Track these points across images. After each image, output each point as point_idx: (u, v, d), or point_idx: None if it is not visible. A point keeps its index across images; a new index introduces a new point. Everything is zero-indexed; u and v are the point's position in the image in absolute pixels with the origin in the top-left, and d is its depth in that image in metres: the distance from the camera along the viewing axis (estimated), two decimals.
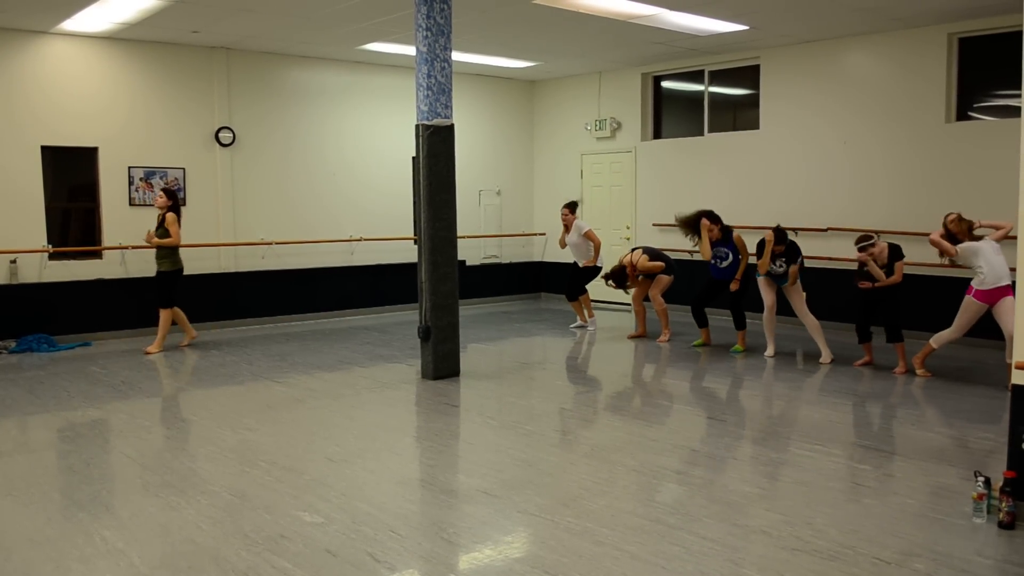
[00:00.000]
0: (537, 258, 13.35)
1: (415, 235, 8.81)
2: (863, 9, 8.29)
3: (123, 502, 4.43)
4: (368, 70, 11.33)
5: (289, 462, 5.06)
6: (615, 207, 12.16)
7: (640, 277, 9.37)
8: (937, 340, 7.07)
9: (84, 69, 9.39)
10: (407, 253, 11.51)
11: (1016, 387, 4.03)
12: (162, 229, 8.63)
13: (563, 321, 10.84)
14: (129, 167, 9.69)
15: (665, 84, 11.78)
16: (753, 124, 10.63)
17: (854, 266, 7.77)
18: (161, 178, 9.86)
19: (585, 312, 10.31)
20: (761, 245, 8.09)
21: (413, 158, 9.10)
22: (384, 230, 11.53)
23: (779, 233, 7.97)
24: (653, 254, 9.37)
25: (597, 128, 12.15)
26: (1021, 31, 4.53)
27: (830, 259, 9.59)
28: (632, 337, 9.60)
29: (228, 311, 10.36)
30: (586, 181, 12.57)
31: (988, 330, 7.04)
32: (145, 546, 3.83)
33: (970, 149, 8.74)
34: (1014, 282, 6.26)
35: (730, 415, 6.31)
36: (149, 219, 9.61)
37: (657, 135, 11.82)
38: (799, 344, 8.78)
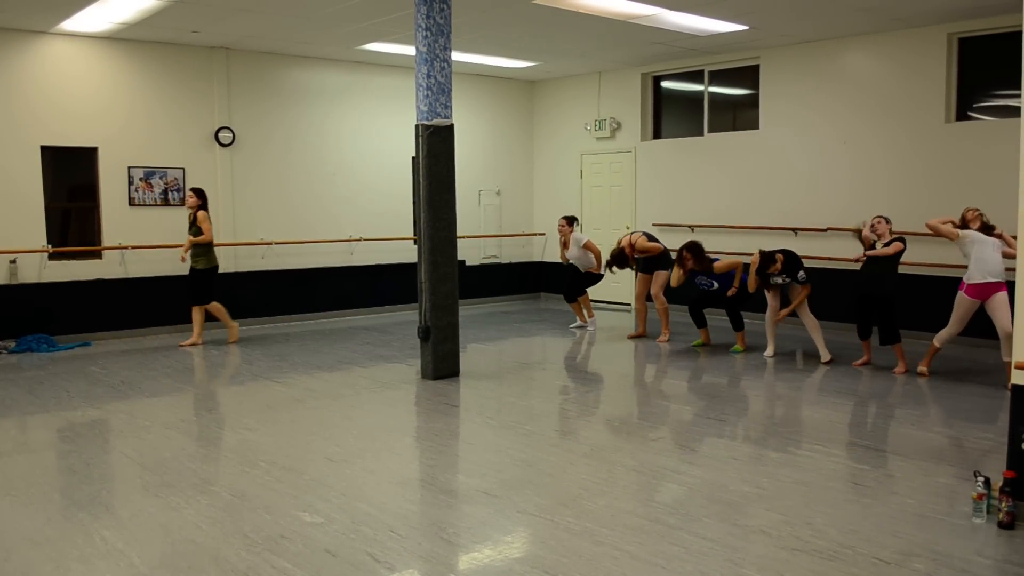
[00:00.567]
0: (537, 258, 13.34)
1: (415, 235, 8.80)
2: (863, 9, 8.28)
3: (123, 502, 4.43)
4: (368, 70, 11.32)
5: (289, 462, 5.06)
6: (615, 207, 12.15)
7: (639, 261, 9.38)
8: (939, 339, 7.18)
9: (84, 69, 9.38)
10: (407, 253, 11.51)
11: (1016, 387, 4.03)
12: (195, 228, 8.79)
13: (563, 321, 10.84)
14: (129, 167, 9.68)
15: (665, 84, 11.78)
16: (753, 124, 10.62)
17: (854, 266, 7.76)
18: (161, 178, 9.86)
19: (585, 312, 10.31)
20: (747, 266, 8.18)
21: (413, 158, 9.11)
22: (384, 230, 11.53)
23: (765, 257, 7.96)
24: (650, 238, 9.40)
25: (597, 128, 12.14)
26: (1021, 31, 4.52)
27: (830, 259, 9.59)
28: (632, 337, 9.60)
29: (228, 311, 10.33)
30: (586, 181, 12.56)
31: (988, 330, 7.05)
32: (145, 546, 3.83)
33: (970, 149, 8.74)
34: (1008, 281, 6.27)
35: (730, 415, 6.31)
36: (149, 219, 9.61)
37: (657, 135, 11.81)
38: (799, 344, 8.78)
